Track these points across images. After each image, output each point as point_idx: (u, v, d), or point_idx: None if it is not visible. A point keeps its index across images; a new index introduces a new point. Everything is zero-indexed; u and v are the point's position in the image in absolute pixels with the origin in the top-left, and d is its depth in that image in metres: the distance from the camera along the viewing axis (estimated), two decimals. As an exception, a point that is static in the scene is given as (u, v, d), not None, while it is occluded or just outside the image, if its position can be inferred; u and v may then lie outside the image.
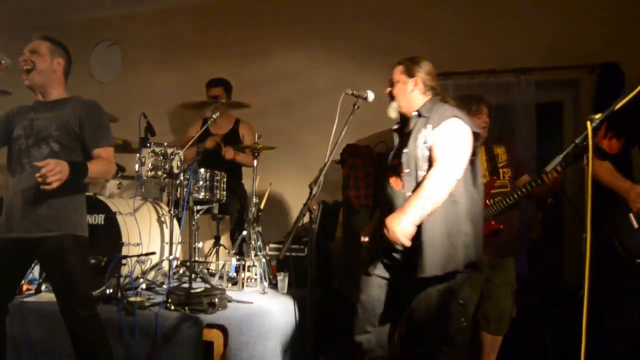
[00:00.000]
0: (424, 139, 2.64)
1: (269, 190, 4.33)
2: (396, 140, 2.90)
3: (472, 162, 2.67)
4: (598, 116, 1.97)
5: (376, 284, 2.81)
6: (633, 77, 4.08)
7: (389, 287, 2.80)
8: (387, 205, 2.74)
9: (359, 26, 5.01)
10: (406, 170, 2.67)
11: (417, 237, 2.53)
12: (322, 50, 5.12)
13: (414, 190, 2.58)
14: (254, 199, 4.06)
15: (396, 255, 2.73)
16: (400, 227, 2.44)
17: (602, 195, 2.71)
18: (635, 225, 2.59)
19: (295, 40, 5.24)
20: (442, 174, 2.51)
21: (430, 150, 2.60)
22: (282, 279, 3.88)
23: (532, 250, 4.21)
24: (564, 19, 4.47)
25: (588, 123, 1.94)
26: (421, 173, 2.61)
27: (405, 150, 2.69)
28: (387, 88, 2.84)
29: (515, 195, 3.28)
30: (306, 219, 2.79)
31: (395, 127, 2.92)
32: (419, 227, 2.51)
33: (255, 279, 3.87)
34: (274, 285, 3.91)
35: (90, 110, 2.80)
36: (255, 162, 4.14)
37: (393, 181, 2.76)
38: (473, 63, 4.56)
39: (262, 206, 4.17)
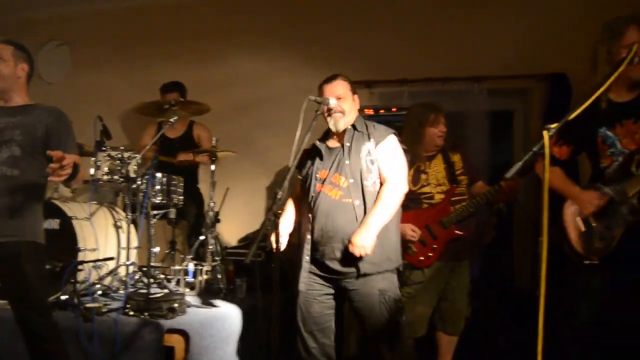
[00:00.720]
0: (366, 151, 2.86)
1: (226, 194, 4.31)
2: (324, 152, 2.97)
3: None
4: (554, 125, 2.07)
5: (314, 299, 2.92)
6: (580, 87, 4.24)
7: (327, 299, 2.92)
8: (323, 214, 2.84)
9: (319, 29, 5.05)
10: (351, 181, 2.84)
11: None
12: (282, 54, 5.13)
13: (358, 200, 2.80)
14: (212, 203, 4.03)
15: (331, 264, 2.84)
16: (370, 241, 2.69)
17: (552, 199, 2.85)
18: (583, 229, 2.69)
19: (254, 42, 5.23)
20: (396, 188, 2.83)
21: (372, 163, 2.85)
22: (240, 284, 3.87)
23: (485, 254, 4.33)
24: (515, 30, 4.62)
25: (545, 132, 2.03)
26: (366, 183, 2.83)
27: (346, 162, 2.86)
28: (330, 102, 2.88)
29: (476, 203, 3.39)
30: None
31: (319, 142, 3.02)
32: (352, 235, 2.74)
33: (213, 284, 3.85)
34: (232, 290, 3.89)
35: (58, 117, 2.76)
36: (213, 166, 4.11)
37: (329, 191, 2.87)
38: (428, 70, 4.65)
39: (219, 210, 4.15)
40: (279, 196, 2.36)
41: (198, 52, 5.32)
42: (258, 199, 5.00)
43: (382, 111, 4.29)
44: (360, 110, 3.89)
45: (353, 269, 2.79)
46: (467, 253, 3.52)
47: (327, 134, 3.04)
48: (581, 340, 2.64)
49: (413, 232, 3.32)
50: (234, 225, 4.84)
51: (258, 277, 3.86)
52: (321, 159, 2.97)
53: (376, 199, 2.81)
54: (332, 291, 2.93)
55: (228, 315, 3.31)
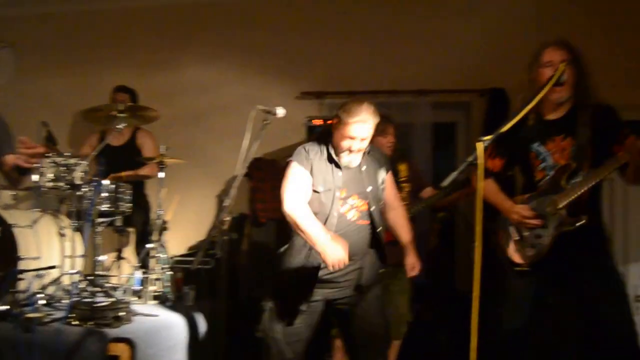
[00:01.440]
0: (381, 180, 2.96)
1: (175, 202, 4.30)
2: (339, 173, 2.89)
3: None
4: (488, 138, 2.22)
5: (301, 311, 2.91)
6: (516, 102, 4.41)
7: (314, 312, 2.94)
8: (341, 234, 2.82)
9: (271, 40, 5.11)
10: (373, 208, 2.90)
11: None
12: (234, 63, 5.16)
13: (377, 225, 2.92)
14: (160, 211, 4.01)
15: (335, 278, 2.86)
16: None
17: (489, 208, 2.98)
18: (516, 237, 2.83)
19: (206, 51, 5.24)
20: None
21: (383, 190, 2.98)
22: (188, 292, 3.87)
23: (427, 259, 4.42)
24: (458, 45, 4.80)
25: (479, 144, 2.17)
26: (376, 207, 2.92)
27: (369, 188, 2.89)
28: (355, 142, 2.81)
29: (415, 207, 3.50)
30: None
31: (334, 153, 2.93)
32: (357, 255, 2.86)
33: (160, 292, 3.83)
34: (179, 298, 3.87)
35: None
36: (162, 173, 4.08)
37: (347, 211, 2.87)
38: (375, 83, 4.79)
39: (167, 218, 4.13)
40: (225, 204, 2.40)
41: (149, 59, 5.28)
42: (208, 207, 5.00)
43: (330, 121, 4.33)
44: (310, 121, 3.97)
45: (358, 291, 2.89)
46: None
47: (328, 150, 2.91)
48: (512, 343, 2.76)
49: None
50: (183, 233, 4.83)
51: (202, 285, 3.90)
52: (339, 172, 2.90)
53: (402, 226, 3.06)
54: (323, 308, 2.95)
55: (175, 324, 3.30)
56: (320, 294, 2.91)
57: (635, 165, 2.47)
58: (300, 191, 2.81)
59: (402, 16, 4.97)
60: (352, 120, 2.73)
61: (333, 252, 2.61)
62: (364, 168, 2.91)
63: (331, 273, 2.79)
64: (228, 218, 2.49)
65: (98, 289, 3.61)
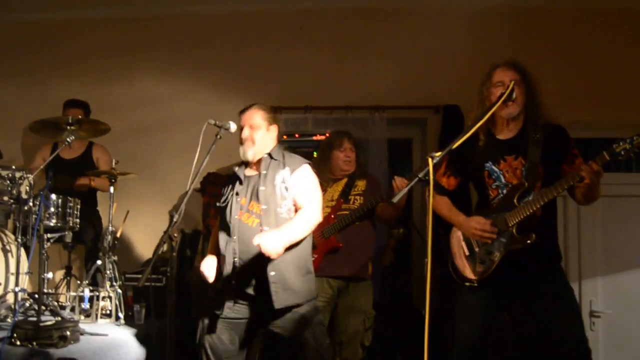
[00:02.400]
0: (281, 178, 2.90)
1: (126, 218, 4.20)
2: (242, 178, 3.00)
3: None
4: (438, 154, 2.23)
5: (225, 326, 2.90)
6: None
7: (238, 328, 2.91)
8: (241, 241, 2.85)
9: (226, 55, 5.09)
10: (264, 207, 2.86)
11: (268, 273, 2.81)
12: (188, 77, 5.10)
13: (271, 227, 2.82)
14: (110, 227, 3.91)
15: (250, 292, 2.85)
16: (277, 246, 2.68)
17: (444, 225, 3.02)
18: (467, 252, 2.87)
19: (160, 65, 5.17)
20: (310, 216, 2.87)
21: (286, 189, 2.90)
22: (139, 310, 3.78)
23: (384, 276, 4.46)
24: (414, 62, 4.87)
25: (429, 160, 2.17)
26: (279, 210, 2.88)
27: (261, 189, 2.88)
28: (243, 131, 2.96)
29: (356, 212, 3.51)
30: (166, 247, 2.80)
31: (238, 168, 3.06)
32: (269, 264, 2.78)
33: (110, 310, 3.72)
34: (130, 317, 3.79)
35: None
36: (112, 188, 4.00)
37: (247, 218, 2.89)
38: (332, 99, 4.81)
39: (118, 234, 4.04)
40: (175, 219, 2.35)
41: (102, 72, 5.17)
42: (160, 222, 4.81)
43: (285, 137, 4.35)
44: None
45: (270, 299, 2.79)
46: (361, 274, 3.56)
47: (247, 163, 3.05)
48: (464, 357, 2.78)
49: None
50: (135, 249, 4.74)
51: (151, 303, 3.80)
52: (241, 183, 2.98)
53: (293, 219, 2.87)
54: (247, 319, 2.91)
55: (124, 343, 3.20)
56: (239, 311, 2.90)
57: (590, 186, 2.51)
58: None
59: (358, 32, 5.01)
60: (240, 112, 3.05)
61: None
62: (263, 172, 2.94)
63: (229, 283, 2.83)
64: (177, 234, 2.43)
65: (44, 307, 3.49)
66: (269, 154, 2.99)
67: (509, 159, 2.77)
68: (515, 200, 2.70)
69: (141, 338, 3.35)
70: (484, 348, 2.78)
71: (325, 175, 3.65)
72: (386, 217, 3.66)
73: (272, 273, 2.80)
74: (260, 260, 2.77)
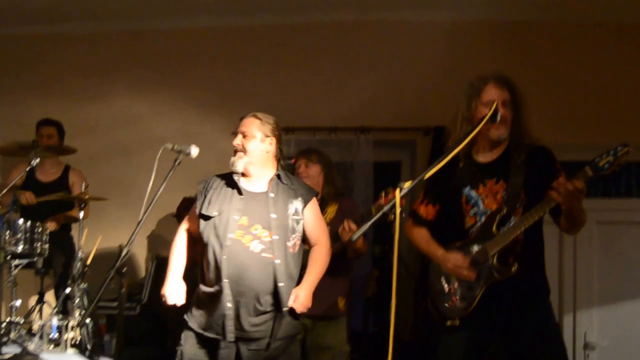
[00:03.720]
0: (294, 210, 2.70)
1: (97, 244, 4.05)
2: (239, 198, 2.72)
3: None
4: (407, 184, 2.04)
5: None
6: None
7: None
8: (235, 265, 2.59)
9: (205, 73, 4.96)
10: (275, 237, 2.63)
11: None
12: (168, 96, 4.97)
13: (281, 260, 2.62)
14: (80, 254, 3.76)
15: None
16: (310, 302, 2.68)
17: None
18: (446, 289, 2.64)
19: (139, 83, 5.03)
20: (329, 252, 2.81)
21: (297, 223, 2.70)
22: (109, 340, 3.63)
23: (367, 308, 4.29)
24: (402, 81, 4.74)
25: (397, 191, 1.99)
26: (288, 243, 2.66)
27: (272, 216, 2.64)
28: (235, 138, 2.74)
29: None
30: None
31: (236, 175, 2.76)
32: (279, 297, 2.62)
33: (80, 340, 3.55)
34: (100, 347, 3.65)
35: None
36: (81, 213, 3.85)
37: (248, 241, 2.62)
38: (315, 120, 4.67)
39: (88, 261, 3.89)
40: (124, 253, 2.19)
41: (79, 90, 5.05)
42: (136, 247, 4.72)
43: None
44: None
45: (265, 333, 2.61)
46: (328, 311, 3.28)
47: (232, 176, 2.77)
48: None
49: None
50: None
51: (122, 332, 3.63)
52: (240, 193, 2.71)
53: (314, 260, 2.77)
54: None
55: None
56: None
57: (566, 209, 2.31)
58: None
59: (343, 50, 4.89)
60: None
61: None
62: (271, 195, 2.70)
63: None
64: (125, 269, 2.27)
65: (7, 337, 3.35)
66: (278, 175, 2.75)
67: (489, 182, 2.56)
68: (494, 228, 2.48)
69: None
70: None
71: None
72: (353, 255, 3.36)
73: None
74: (258, 289, 2.58)
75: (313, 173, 3.45)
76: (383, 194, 3.13)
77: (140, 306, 3.94)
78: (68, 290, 3.75)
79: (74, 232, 4.49)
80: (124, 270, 2.26)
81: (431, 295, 2.71)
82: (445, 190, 2.66)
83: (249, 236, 2.62)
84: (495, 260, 2.47)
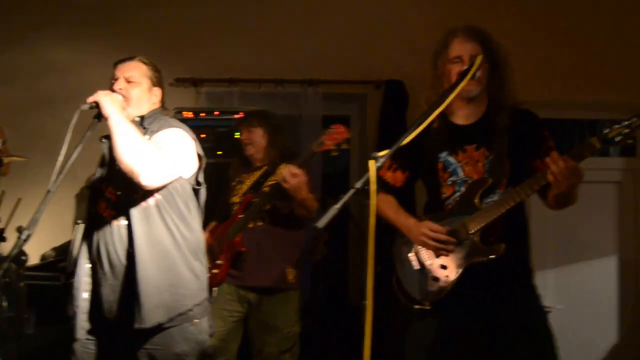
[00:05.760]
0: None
1: (16, 207, 3.68)
2: (106, 153, 2.42)
3: (197, 193, 2.42)
4: (383, 153, 1.70)
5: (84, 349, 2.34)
6: (417, 97, 4.16)
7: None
8: (100, 242, 2.30)
9: (141, 20, 4.49)
10: (118, 193, 2.29)
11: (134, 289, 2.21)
12: (98, 44, 4.47)
13: (127, 219, 2.23)
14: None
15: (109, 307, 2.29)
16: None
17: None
18: (416, 267, 2.36)
19: (67, 29, 4.53)
20: (156, 156, 2.17)
21: None
22: (28, 317, 3.30)
23: (316, 271, 4.05)
24: (353, 34, 4.44)
25: (371, 162, 1.66)
26: (135, 196, 2.24)
27: (116, 168, 2.22)
28: (117, 82, 2.41)
29: (252, 210, 3.03)
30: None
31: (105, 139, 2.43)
32: (135, 276, 2.20)
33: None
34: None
35: None
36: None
37: (103, 210, 2.32)
38: (260, 71, 4.34)
39: (3, 225, 3.53)
40: (23, 236, 1.85)
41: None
42: (65, 209, 4.31)
43: (202, 114, 3.85)
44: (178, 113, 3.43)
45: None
46: (276, 284, 3.05)
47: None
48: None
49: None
50: (34, 241, 4.13)
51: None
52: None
53: None
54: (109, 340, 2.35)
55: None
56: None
57: (557, 188, 2.04)
58: None
59: (290, -2, 4.53)
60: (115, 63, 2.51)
61: None
62: None
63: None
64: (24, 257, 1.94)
65: None
66: (141, 117, 2.39)
67: (469, 148, 2.29)
68: (476, 200, 2.22)
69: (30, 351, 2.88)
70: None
71: (237, 165, 3.29)
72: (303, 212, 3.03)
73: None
74: (117, 268, 2.27)
75: (256, 138, 3.21)
76: (326, 130, 2.88)
77: (64, 276, 3.56)
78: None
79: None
80: (24, 257, 1.91)
81: (396, 274, 2.43)
82: (418, 155, 2.38)
83: (103, 203, 2.38)
84: (477, 238, 2.21)
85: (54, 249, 4.04)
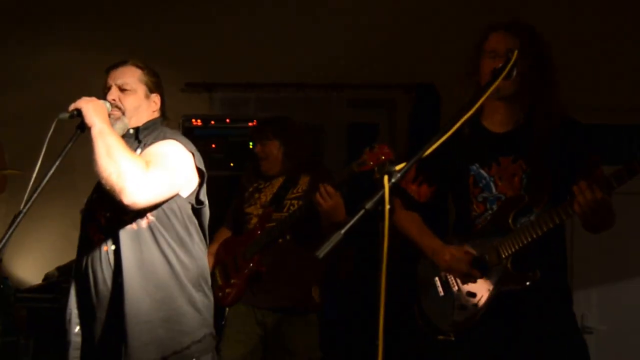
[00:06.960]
0: None
1: (15, 222, 3.46)
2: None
3: (198, 213, 2.19)
4: (400, 167, 1.45)
5: None
6: (450, 101, 3.96)
7: None
8: (87, 270, 2.10)
9: (149, 21, 4.37)
10: (107, 215, 2.09)
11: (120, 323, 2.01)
12: (103, 47, 4.31)
13: (115, 244, 2.03)
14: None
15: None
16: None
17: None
18: (441, 293, 2.18)
19: (69, 31, 4.42)
20: (144, 170, 1.95)
21: None
22: (26, 342, 3.12)
23: (342, 290, 3.84)
24: (378, 34, 4.25)
25: (385, 178, 1.40)
26: (125, 217, 2.03)
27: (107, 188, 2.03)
28: (111, 91, 2.18)
29: (272, 229, 2.86)
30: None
31: None
32: (122, 309, 2.00)
33: None
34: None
35: None
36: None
37: (93, 233, 2.12)
38: (279, 75, 4.18)
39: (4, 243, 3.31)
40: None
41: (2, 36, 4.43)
42: (67, 227, 4.10)
43: (212, 123, 3.67)
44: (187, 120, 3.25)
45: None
46: (304, 303, 2.89)
47: None
48: None
49: None
50: (33, 261, 4.07)
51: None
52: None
53: None
54: None
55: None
56: None
57: (584, 219, 1.90)
58: None
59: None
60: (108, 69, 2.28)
61: None
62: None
63: None
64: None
65: None
66: (136, 130, 2.19)
67: (504, 161, 2.10)
68: (510, 221, 2.04)
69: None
70: None
71: (251, 171, 3.12)
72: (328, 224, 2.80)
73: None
74: (104, 298, 2.08)
75: (271, 152, 3.01)
76: (367, 149, 2.63)
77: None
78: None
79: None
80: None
81: (420, 300, 2.25)
82: (446, 167, 2.19)
83: (93, 225, 2.21)
84: (509, 263, 2.01)
85: (58, 268, 3.93)
